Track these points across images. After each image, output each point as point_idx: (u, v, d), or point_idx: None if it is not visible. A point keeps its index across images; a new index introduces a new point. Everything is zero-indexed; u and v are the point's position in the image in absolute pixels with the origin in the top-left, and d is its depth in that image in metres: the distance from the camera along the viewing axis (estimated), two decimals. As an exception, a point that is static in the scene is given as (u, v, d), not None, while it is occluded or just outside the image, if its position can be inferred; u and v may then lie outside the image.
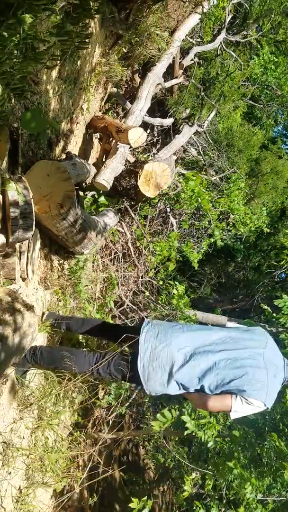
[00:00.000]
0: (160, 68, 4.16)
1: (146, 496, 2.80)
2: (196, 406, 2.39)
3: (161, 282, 4.51)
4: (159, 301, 4.30)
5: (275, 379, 2.14)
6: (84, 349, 3.17)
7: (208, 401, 2.10)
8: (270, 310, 4.64)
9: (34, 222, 2.01)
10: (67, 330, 2.80)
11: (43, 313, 2.84)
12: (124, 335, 2.40)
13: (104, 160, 3.78)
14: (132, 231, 4.51)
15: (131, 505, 2.73)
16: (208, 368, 2.14)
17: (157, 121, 4.77)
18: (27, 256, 2.34)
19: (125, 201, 4.52)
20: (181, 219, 5.10)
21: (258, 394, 2.06)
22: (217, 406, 2.13)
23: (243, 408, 2.08)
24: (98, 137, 4.24)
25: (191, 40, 4.91)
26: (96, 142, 4.26)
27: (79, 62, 2.98)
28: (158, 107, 5.23)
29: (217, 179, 5.57)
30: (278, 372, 2.17)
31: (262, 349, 2.20)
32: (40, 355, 2.37)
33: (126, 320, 4.05)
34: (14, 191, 1.89)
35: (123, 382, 2.50)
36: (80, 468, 2.89)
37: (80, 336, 3.22)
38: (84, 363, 2.34)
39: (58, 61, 1.59)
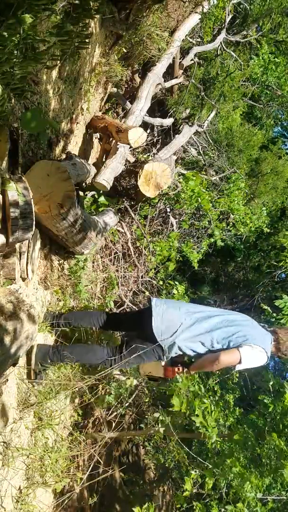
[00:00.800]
0: (160, 68, 4.16)
1: (147, 503, 2.80)
2: (206, 368, 2.64)
3: (161, 282, 4.51)
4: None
5: (266, 336, 2.54)
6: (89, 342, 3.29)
7: (220, 355, 2.41)
8: (270, 310, 4.64)
9: (34, 222, 2.01)
10: (66, 326, 2.84)
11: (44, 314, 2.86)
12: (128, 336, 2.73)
13: (104, 160, 3.78)
14: (132, 231, 4.50)
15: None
16: (212, 326, 2.53)
17: (157, 121, 4.77)
18: (27, 256, 2.34)
19: (125, 201, 4.52)
20: (181, 219, 5.10)
21: (258, 342, 2.44)
22: (227, 359, 2.43)
23: (250, 355, 2.41)
24: (98, 137, 4.24)
25: (191, 40, 4.91)
26: (96, 142, 4.26)
27: (79, 62, 2.98)
28: (158, 107, 5.23)
29: (217, 179, 5.57)
30: (266, 333, 2.57)
31: (250, 320, 2.67)
32: (62, 354, 2.56)
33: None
34: (14, 191, 1.89)
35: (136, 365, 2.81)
36: (80, 468, 2.89)
37: (81, 330, 3.26)
38: (103, 356, 2.61)
39: (58, 61, 1.59)
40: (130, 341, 2.60)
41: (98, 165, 3.86)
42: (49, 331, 2.81)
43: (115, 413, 3.54)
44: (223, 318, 2.58)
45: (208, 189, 5.14)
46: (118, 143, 3.61)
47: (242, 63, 5.48)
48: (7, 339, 1.77)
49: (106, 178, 3.47)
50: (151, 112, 4.76)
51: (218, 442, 3.25)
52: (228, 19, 5.18)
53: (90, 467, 2.62)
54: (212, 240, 5.35)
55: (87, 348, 2.74)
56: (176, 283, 4.39)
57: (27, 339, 1.98)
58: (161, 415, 3.29)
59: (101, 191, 3.66)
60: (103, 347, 2.68)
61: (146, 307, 2.71)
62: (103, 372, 2.58)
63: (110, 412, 3.66)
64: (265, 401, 3.69)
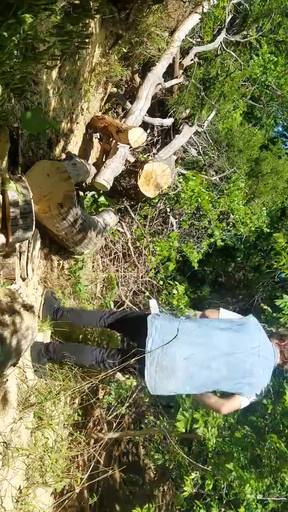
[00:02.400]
0: (160, 68, 4.15)
1: (148, 503, 2.80)
2: (207, 408, 2.64)
3: (161, 282, 4.51)
4: (159, 301, 4.30)
5: (268, 370, 2.42)
6: (89, 343, 3.31)
7: (222, 409, 2.38)
8: (270, 310, 4.63)
9: (34, 222, 2.01)
10: (63, 319, 2.79)
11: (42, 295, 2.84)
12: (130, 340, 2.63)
13: (104, 160, 3.78)
14: (132, 231, 4.50)
15: None
16: (209, 374, 2.33)
17: (157, 121, 4.76)
18: (27, 256, 2.34)
19: (125, 201, 4.52)
20: (181, 219, 5.10)
21: (254, 392, 2.37)
22: (231, 410, 2.46)
23: (244, 403, 2.40)
24: (98, 137, 4.23)
25: (191, 40, 4.91)
26: (96, 142, 4.25)
27: (79, 62, 2.98)
28: (158, 107, 5.22)
29: (217, 179, 5.57)
30: (270, 363, 2.44)
31: (257, 347, 2.38)
32: (53, 351, 2.56)
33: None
34: (14, 191, 1.89)
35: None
36: (80, 468, 2.89)
37: (81, 331, 3.27)
38: (92, 357, 2.54)
39: (58, 61, 1.59)
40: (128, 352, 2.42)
41: (98, 165, 3.86)
42: (49, 328, 2.81)
43: (115, 413, 3.54)
44: (223, 362, 2.33)
45: (208, 189, 5.14)
46: (118, 143, 3.61)
47: (242, 63, 5.48)
48: (7, 338, 1.77)
49: (106, 178, 3.47)
50: (151, 112, 4.76)
51: (218, 443, 3.25)
52: (228, 19, 5.17)
53: (90, 467, 2.61)
54: (212, 240, 5.34)
55: (77, 348, 2.70)
56: (176, 283, 4.39)
57: (29, 336, 1.98)
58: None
59: (101, 191, 3.66)
60: (94, 349, 2.59)
61: (144, 323, 2.44)
62: (103, 374, 2.57)
63: (110, 412, 3.66)
64: (264, 401, 3.69)
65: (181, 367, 2.30)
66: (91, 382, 2.50)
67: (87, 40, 1.55)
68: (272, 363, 2.44)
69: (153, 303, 2.70)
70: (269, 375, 2.42)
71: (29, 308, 2.00)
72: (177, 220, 5.09)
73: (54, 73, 2.64)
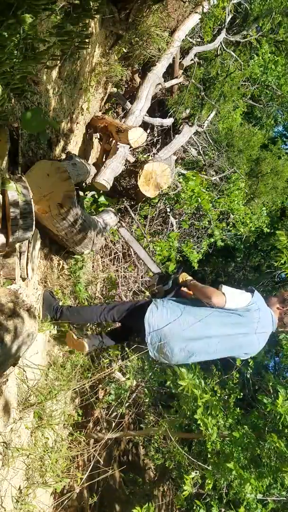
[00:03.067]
0: (160, 68, 4.15)
1: (147, 503, 2.81)
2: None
3: (161, 282, 4.50)
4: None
5: (265, 341, 2.57)
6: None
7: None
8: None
9: (34, 222, 2.01)
10: (63, 318, 2.83)
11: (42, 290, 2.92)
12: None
13: (104, 160, 3.78)
14: (132, 231, 4.50)
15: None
16: (207, 356, 2.58)
17: (157, 121, 4.76)
18: (27, 256, 2.34)
19: (125, 201, 4.52)
20: (181, 219, 5.10)
21: (254, 350, 2.61)
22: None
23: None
24: (98, 137, 4.24)
25: (191, 40, 4.91)
26: (96, 142, 4.25)
27: (79, 62, 2.98)
28: (158, 107, 5.22)
29: (217, 179, 5.57)
30: (267, 335, 2.58)
31: (254, 326, 2.48)
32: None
33: None
34: (14, 191, 1.89)
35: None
36: (80, 468, 2.89)
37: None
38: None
39: (58, 61, 1.59)
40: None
41: (98, 165, 3.86)
42: (49, 329, 2.81)
43: (115, 413, 3.54)
44: (223, 343, 2.51)
45: (208, 189, 5.14)
46: (118, 143, 3.61)
47: (242, 63, 5.47)
48: (8, 338, 1.77)
49: (106, 178, 3.47)
50: (151, 112, 4.76)
51: (218, 442, 3.25)
52: (228, 19, 5.17)
53: (90, 467, 2.62)
54: (212, 240, 5.35)
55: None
56: (176, 283, 4.38)
57: (29, 337, 1.98)
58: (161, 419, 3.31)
59: (101, 191, 3.66)
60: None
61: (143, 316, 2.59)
62: (103, 372, 2.59)
63: (110, 412, 3.66)
64: (264, 400, 3.69)
65: (180, 356, 2.54)
66: (91, 380, 2.50)
67: (87, 40, 1.55)
68: (269, 333, 2.58)
69: (123, 231, 3.12)
70: (265, 342, 2.57)
71: (29, 308, 2.00)
72: (177, 220, 5.09)
73: (54, 73, 2.64)
